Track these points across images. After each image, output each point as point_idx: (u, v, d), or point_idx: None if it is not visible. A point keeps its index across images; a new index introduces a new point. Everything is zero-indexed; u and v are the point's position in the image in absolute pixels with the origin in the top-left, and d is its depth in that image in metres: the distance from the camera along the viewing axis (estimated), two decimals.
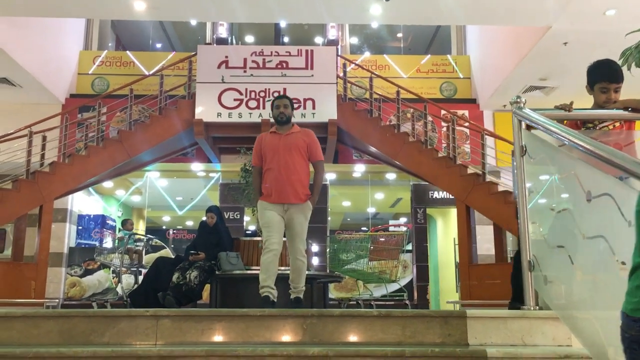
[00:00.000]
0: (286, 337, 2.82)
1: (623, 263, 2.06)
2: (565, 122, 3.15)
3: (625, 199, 2.09)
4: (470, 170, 7.89)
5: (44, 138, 7.86)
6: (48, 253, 7.75)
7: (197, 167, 11.23)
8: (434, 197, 11.53)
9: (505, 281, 6.92)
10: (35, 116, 8.37)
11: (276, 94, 8.08)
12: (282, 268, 6.28)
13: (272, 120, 5.19)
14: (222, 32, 11.51)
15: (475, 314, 2.77)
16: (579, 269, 2.45)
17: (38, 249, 7.44)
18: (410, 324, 2.79)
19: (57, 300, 9.81)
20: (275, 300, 4.63)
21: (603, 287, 2.27)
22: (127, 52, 11.64)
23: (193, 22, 12.55)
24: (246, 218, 11.30)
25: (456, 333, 2.73)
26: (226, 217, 10.25)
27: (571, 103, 3.09)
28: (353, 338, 2.80)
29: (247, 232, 12.14)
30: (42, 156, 7.83)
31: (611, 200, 2.19)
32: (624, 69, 4.68)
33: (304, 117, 8.52)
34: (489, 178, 7.72)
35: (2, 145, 7.56)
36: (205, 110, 8.71)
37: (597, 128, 3.25)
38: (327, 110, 8.68)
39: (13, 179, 7.45)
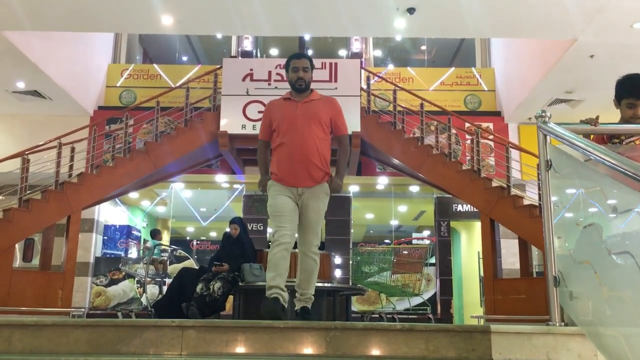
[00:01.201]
0: (309, 350, 2.83)
1: None
2: (591, 136, 3.14)
3: None
4: (494, 184, 7.83)
5: (73, 149, 8.01)
6: (75, 263, 7.86)
7: (221, 178, 11.33)
8: (457, 210, 11.46)
9: (530, 296, 6.88)
10: (65, 128, 8.56)
11: None
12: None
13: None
14: (247, 45, 11.66)
15: (499, 329, 2.75)
16: (605, 285, 2.43)
17: (65, 259, 7.56)
18: (434, 338, 2.78)
19: (83, 310, 9.96)
20: (286, 304, 3.88)
21: (629, 304, 2.24)
22: (154, 65, 11.84)
23: (219, 36, 12.73)
24: (269, 229, 11.35)
25: (480, 348, 2.71)
26: (250, 228, 10.32)
27: (597, 117, 3.07)
28: (376, 352, 2.80)
29: (270, 243, 12.15)
30: (71, 167, 7.98)
31: (637, 216, 2.17)
32: None
33: None
34: (514, 191, 7.65)
35: (32, 156, 7.74)
36: (230, 122, 8.80)
37: (624, 143, 3.23)
38: (350, 123, 8.61)
39: (42, 189, 7.61)
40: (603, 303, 2.48)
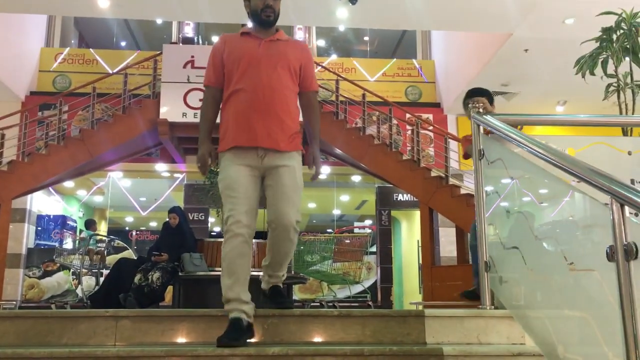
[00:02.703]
0: None
1: (571, 263, 2.14)
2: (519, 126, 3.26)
3: (574, 203, 2.17)
4: (433, 173, 8.01)
5: (3, 136, 7.73)
6: (5, 254, 7.59)
7: (161, 167, 11.11)
8: (398, 199, 11.67)
9: (466, 282, 7.09)
10: None
11: None
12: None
13: None
14: (189, 31, 11.44)
15: (433, 313, 2.83)
16: (531, 269, 2.53)
17: None
18: (370, 323, 2.83)
19: (14, 302, 9.58)
20: (251, 320, 2.74)
21: (553, 287, 2.35)
22: (91, 49, 11.46)
23: (159, 21, 12.42)
24: (211, 219, 11.23)
25: (414, 332, 2.78)
26: (191, 218, 10.19)
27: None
28: (314, 338, 2.83)
29: (212, 233, 12.06)
30: (1, 154, 7.68)
31: (561, 203, 2.27)
32: (579, 76, 4.85)
33: None
34: (451, 181, 7.85)
35: None
36: (170, 110, 8.63)
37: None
38: None
39: None
40: (529, 287, 2.59)
